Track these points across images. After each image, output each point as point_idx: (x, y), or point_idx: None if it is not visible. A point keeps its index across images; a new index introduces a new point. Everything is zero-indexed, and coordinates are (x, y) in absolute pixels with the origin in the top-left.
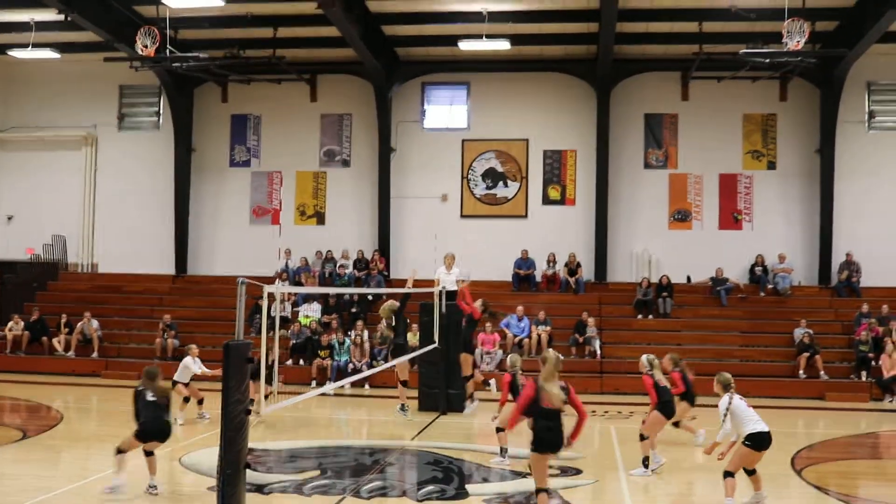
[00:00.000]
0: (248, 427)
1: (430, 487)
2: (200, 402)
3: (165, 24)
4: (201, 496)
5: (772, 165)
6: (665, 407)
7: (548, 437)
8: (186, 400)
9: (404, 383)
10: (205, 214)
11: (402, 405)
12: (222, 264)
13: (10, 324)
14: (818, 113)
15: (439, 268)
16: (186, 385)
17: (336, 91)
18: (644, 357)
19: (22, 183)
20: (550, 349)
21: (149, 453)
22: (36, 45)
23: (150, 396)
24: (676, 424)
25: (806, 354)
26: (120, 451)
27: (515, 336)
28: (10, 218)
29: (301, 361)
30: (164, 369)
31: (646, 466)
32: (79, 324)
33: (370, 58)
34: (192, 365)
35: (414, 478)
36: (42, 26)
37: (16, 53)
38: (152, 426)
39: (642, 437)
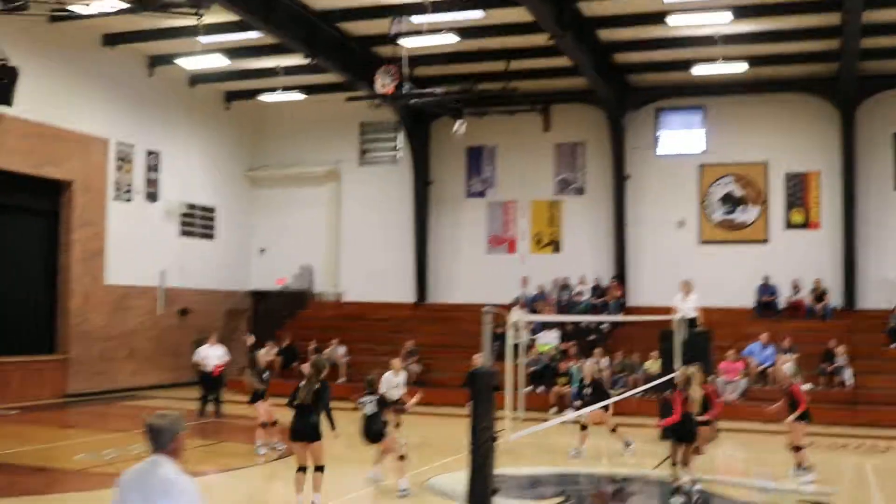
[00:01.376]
0: (495, 453)
1: None
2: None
3: (403, 62)
4: None
5: None
6: None
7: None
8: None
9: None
10: (443, 244)
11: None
12: (460, 292)
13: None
14: None
15: (676, 295)
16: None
17: (569, 120)
18: None
19: (273, 217)
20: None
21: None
22: (284, 89)
23: (369, 409)
24: None
25: None
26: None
27: (759, 364)
28: (262, 251)
29: (540, 388)
30: (411, 394)
31: None
32: (326, 350)
33: (602, 86)
34: (389, 380)
35: None
36: (289, 71)
37: (266, 98)
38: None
39: None
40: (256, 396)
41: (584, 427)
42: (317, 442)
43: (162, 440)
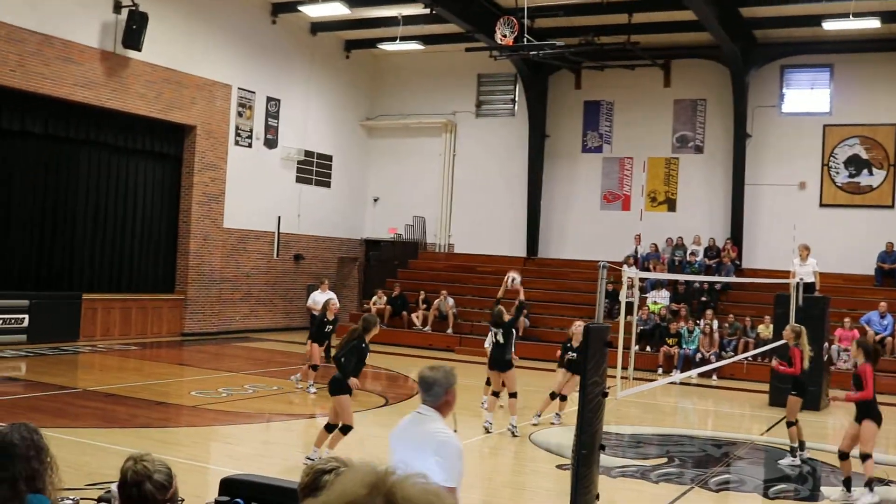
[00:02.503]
0: (603, 409)
1: (782, 486)
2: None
3: (523, 13)
4: (550, 473)
5: None
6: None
7: None
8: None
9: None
10: (556, 199)
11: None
12: (571, 248)
13: (375, 298)
14: None
15: (794, 259)
16: None
17: (690, 76)
18: None
19: (388, 167)
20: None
21: None
22: (403, 39)
23: (499, 339)
24: None
25: None
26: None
27: (877, 333)
28: (376, 200)
29: (648, 348)
30: (518, 349)
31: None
32: (435, 301)
33: (727, 41)
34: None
35: (763, 474)
36: (408, 20)
37: (385, 47)
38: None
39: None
40: (312, 336)
41: (560, 397)
42: (335, 396)
43: (434, 393)
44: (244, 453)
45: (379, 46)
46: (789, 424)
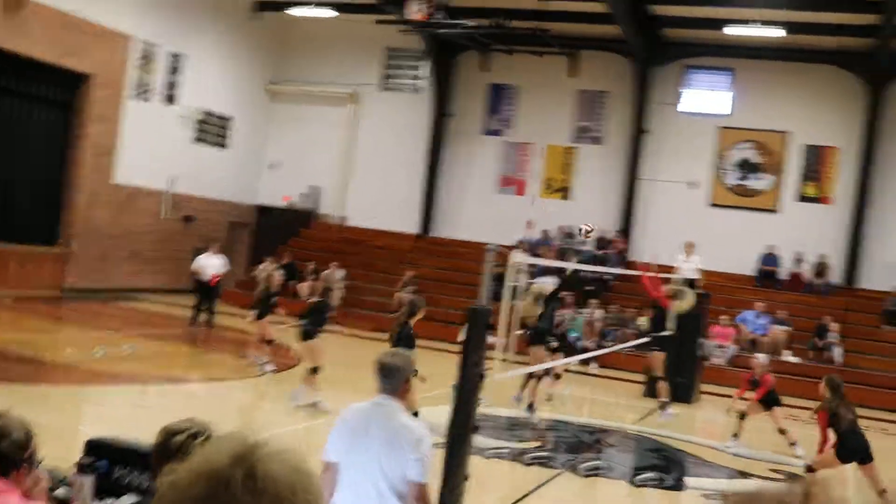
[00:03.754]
0: (480, 391)
1: (649, 475)
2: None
3: None
4: None
5: None
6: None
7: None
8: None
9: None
10: (454, 179)
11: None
12: (465, 229)
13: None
14: None
15: (679, 255)
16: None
17: (595, 67)
18: None
19: (288, 134)
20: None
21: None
22: (316, 4)
23: None
24: None
25: None
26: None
27: (752, 332)
28: (271, 166)
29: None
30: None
31: None
32: (324, 272)
33: (633, 35)
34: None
35: (632, 462)
36: None
37: (294, 11)
38: None
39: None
40: (263, 314)
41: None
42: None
43: (394, 381)
44: (115, 416)
45: (289, 11)
46: (657, 379)
